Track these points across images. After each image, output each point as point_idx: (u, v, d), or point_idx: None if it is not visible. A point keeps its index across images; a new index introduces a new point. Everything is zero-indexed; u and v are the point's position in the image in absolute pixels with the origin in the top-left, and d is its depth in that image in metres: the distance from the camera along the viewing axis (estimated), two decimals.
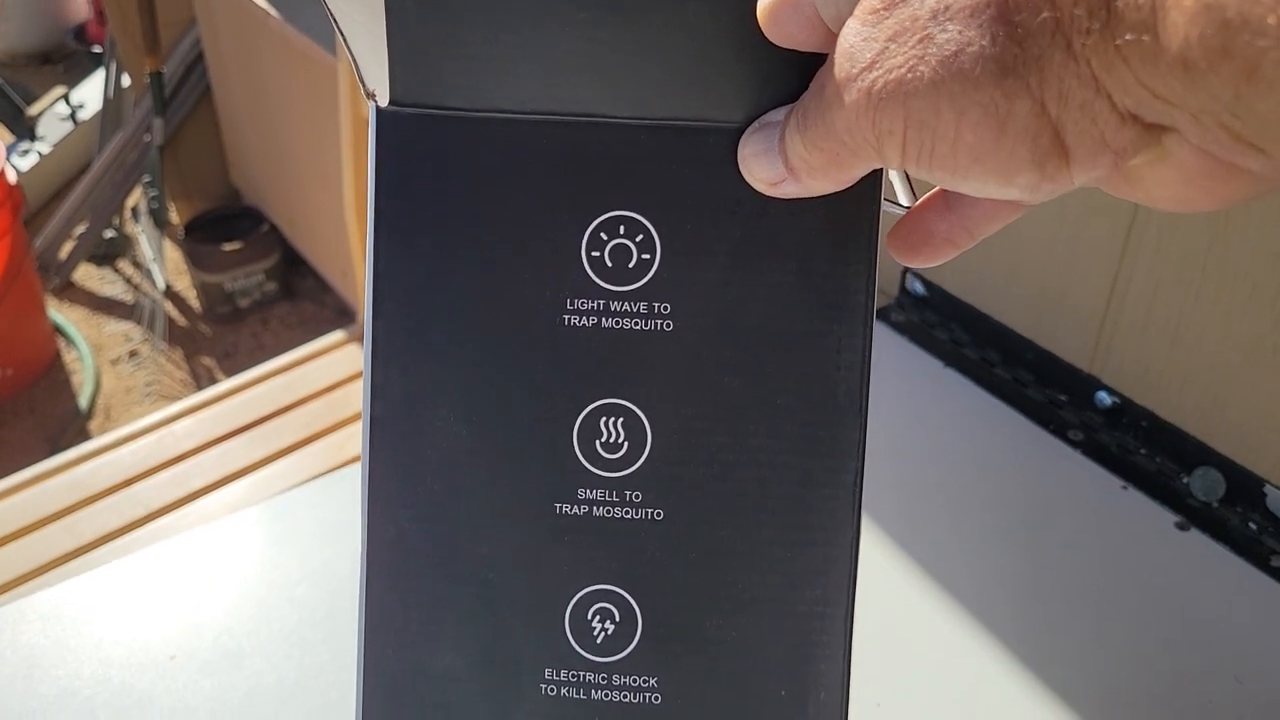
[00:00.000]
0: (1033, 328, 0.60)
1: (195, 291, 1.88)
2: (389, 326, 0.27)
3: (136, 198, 1.96)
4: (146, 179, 1.86)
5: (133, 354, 1.79)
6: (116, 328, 1.85)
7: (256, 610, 0.47)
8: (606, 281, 0.27)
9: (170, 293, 1.90)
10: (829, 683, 0.28)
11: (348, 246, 1.51)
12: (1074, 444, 0.56)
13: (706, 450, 0.27)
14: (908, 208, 0.28)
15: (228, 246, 1.80)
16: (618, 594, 0.28)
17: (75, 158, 2.10)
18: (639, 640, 0.28)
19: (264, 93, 1.63)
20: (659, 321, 0.27)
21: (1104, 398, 0.57)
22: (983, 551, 0.50)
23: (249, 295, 1.84)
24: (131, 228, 2.00)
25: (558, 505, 0.28)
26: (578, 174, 0.27)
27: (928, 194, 0.28)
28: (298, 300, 1.88)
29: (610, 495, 0.28)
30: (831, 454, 0.27)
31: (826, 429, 0.27)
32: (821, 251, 0.26)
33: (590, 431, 0.27)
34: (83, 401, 1.67)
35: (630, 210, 0.27)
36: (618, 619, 0.28)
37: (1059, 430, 0.57)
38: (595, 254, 0.27)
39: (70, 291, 1.93)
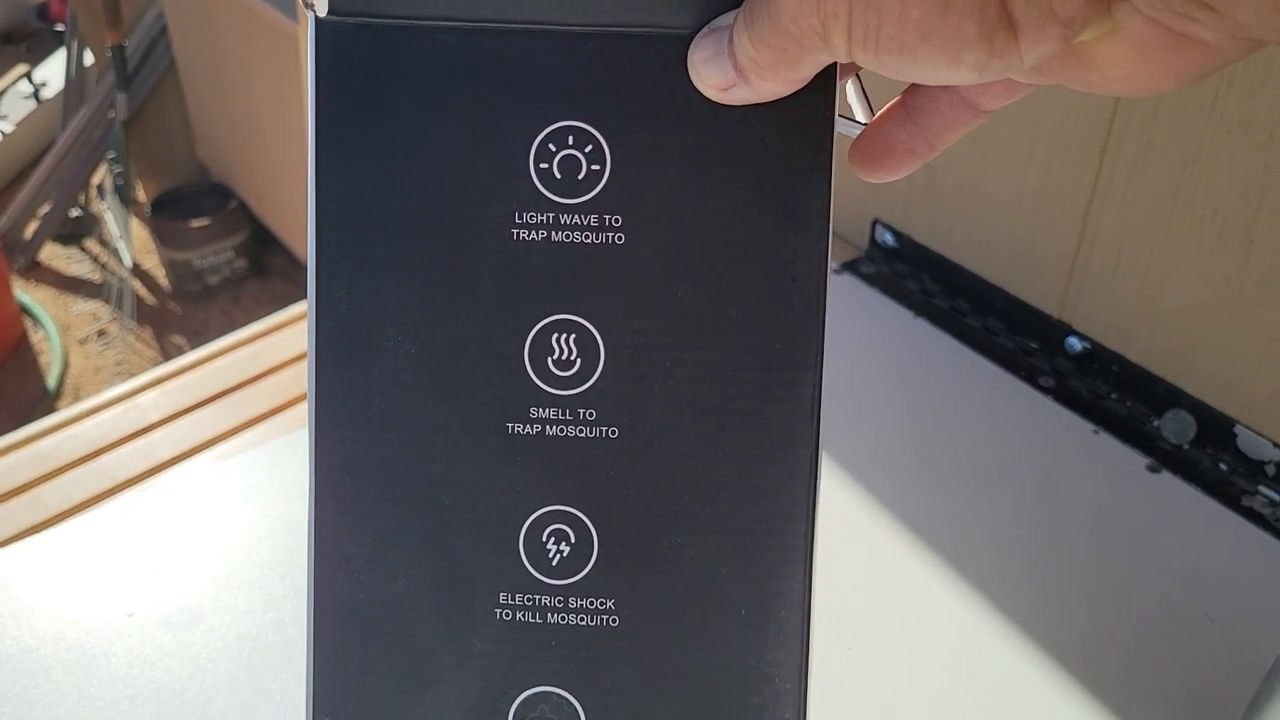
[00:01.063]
0: (1003, 276, 0.60)
1: (164, 270, 1.86)
2: (332, 244, 0.26)
3: (102, 175, 1.93)
4: (111, 155, 1.83)
5: (101, 333, 1.77)
6: (84, 307, 1.83)
7: (217, 566, 0.46)
8: (556, 194, 0.26)
9: (138, 271, 1.88)
10: (789, 601, 0.27)
11: None
12: (1045, 390, 0.56)
13: (660, 366, 0.27)
14: (865, 124, 0.28)
15: (196, 223, 1.77)
16: (573, 515, 0.27)
17: (38, 137, 2.06)
18: (595, 562, 0.27)
19: (229, 66, 1.60)
20: (610, 234, 0.26)
21: (1074, 344, 0.57)
22: (954, 497, 0.50)
23: (218, 273, 1.82)
24: (97, 206, 1.98)
25: (510, 425, 0.27)
26: (524, 84, 0.26)
27: (886, 106, 0.27)
28: (269, 277, 1.86)
29: (563, 414, 0.27)
30: (789, 367, 0.26)
31: (783, 341, 0.26)
32: (775, 160, 0.26)
33: (542, 349, 0.27)
34: (51, 381, 1.65)
35: (579, 120, 0.26)
36: (573, 540, 0.27)
37: (1030, 377, 0.57)
38: (543, 166, 0.26)
39: (36, 271, 1.90)
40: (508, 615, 0.28)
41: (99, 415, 0.98)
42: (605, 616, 0.27)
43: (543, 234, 0.26)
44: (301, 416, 0.65)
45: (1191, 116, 0.47)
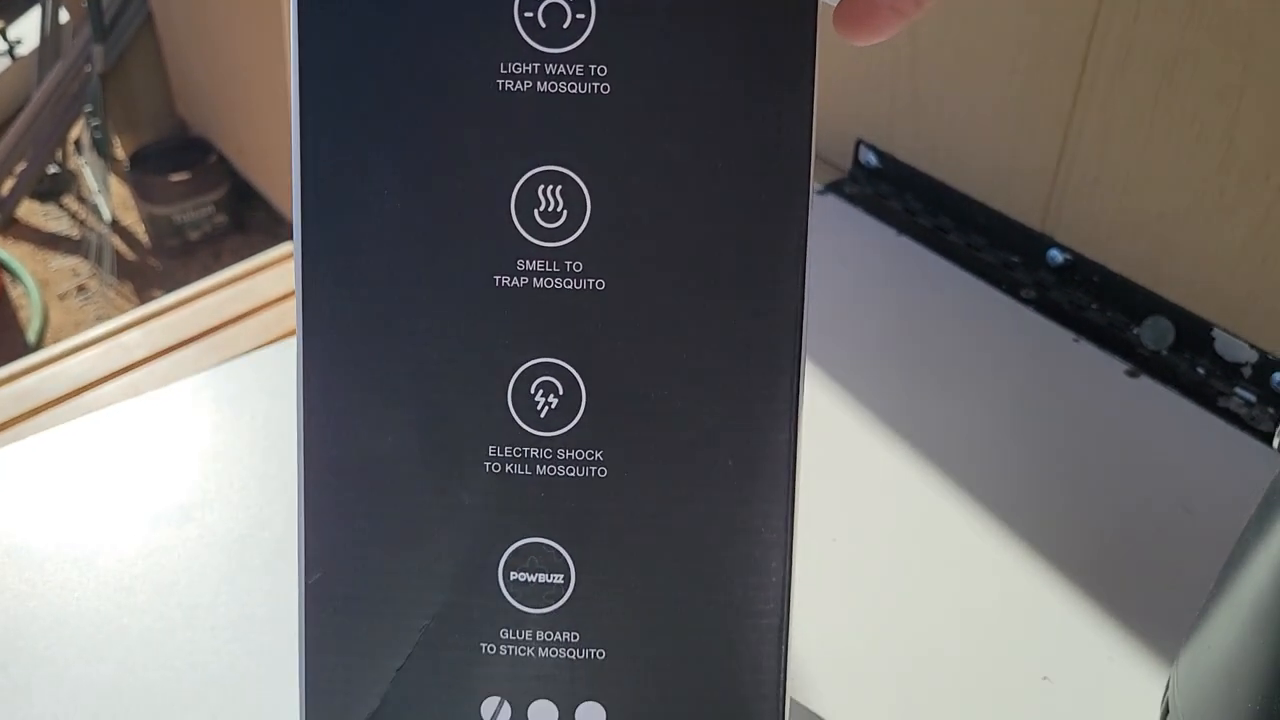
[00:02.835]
0: (985, 191, 0.60)
1: (143, 225, 1.85)
2: (314, 99, 0.26)
3: (79, 130, 1.91)
4: (88, 109, 1.81)
5: (81, 289, 1.76)
6: (63, 262, 1.81)
7: (205, 468, 0.47)
8: (541, 43, 0.26)
9: (117, 226, 1.86)
10: (776, 453, 0.28)
11: None
12: (1026, 302, 0.57)
13: (646, 217, 0.27)
14: None
15: (175, 178, 1.76)
16: (561, 367, 0.27)
17: (13, 94, 2.04)
18: (583, 413, 0.28)
19: (208, 17, 1.59)
20: (596, 84, 0.26)
21: (1056, 255, 0.57)
22: (938, 404, 0.50)
23: (199, 228, 1.81)
24: (75, 161, 1.96)
25: (496, 278, 0.27)
26: None
27: None
28: (250, 232, 1.85)
29: (550, 266, 0.27)
30: (776, 219, 0.27)
31: (770, 193, 0.26)
32: (761, 14, 0.26)
33: (528, 200, 0.27)
34: (31, 336, 1.64)
35: None
36: (561, 393, 0.28)
37: (1011, 290, 0.57)
38: (528, 14, 0.26)
39: (15, 228, 1.89)
40: (496, 468, 0.28)
41: (81, 354, 0.97)
42: (594, 467, 0.28)
43: (528, 84, 0.26)
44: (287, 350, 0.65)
45: (1171, 18, 0.48)
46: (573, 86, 0.26)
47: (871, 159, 0.66)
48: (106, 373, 0.97)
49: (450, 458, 0.28)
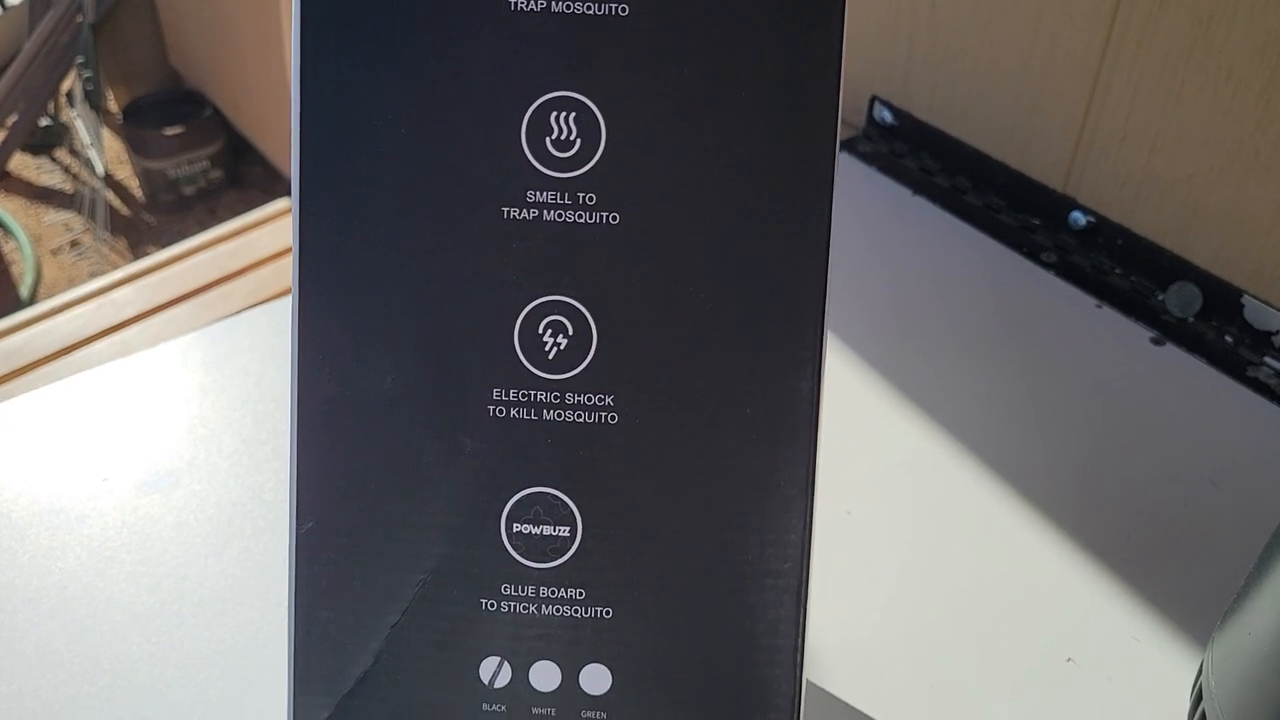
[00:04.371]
0: (1005, 149, 0.58)
1: (137, 180, 1.82)
2: (315, 19, 0.25)
3: (71, 82, 1.88)
4: (80, 61, 1.78)
5: (74, 244, 1.73)
6: (56, 217, 1.79)
7: (195, 432, 0.45)
8: None
9: (111, 181, 1.83)
10: (797, 402, 0.26)
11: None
12: (1047, 266, 0.55)
13: (664, 149, 0.25)
14: None
15: (169, 131, 1.73)
16: (571, 305, 0.26)
17: (4, 45, 2.00)
18: (594, 355, 0.26)
19: None
20: (613, 5, 0.24)
21: (1078, 218, 0.55)
22: (955, 371, 0.49)
23: (194, 183, 1.78)
24: (67, 114, 1.92)
25: (505, 210, 0.25)
26: None
27: None
28: (246, 188, 1.82)
29: (561, 198, 0.25)
30: (802, 152, 0.25)
31: (795, 124, 0.25)
32: None
33: (540, 128, 0.25)
34: (24, 292, 1.62)
35: None
36: (571, 333, 0.26)
37: (1032, 253, 0.55)
38: None
39: (6, 182, 1.86)
40: (501, 412, 0.26)
41: (73, 310, 0.96)
42: (604, 413, 0.26)
43: (541, 4, 0.24)
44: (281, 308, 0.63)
45: None
46: (589, 8, 0.24)
47: (887, 116, 0.63)
48: (98, 330, 0.96)
49: (452, 401, 0.26)
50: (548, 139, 0.25)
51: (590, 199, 0.25)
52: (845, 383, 0.48)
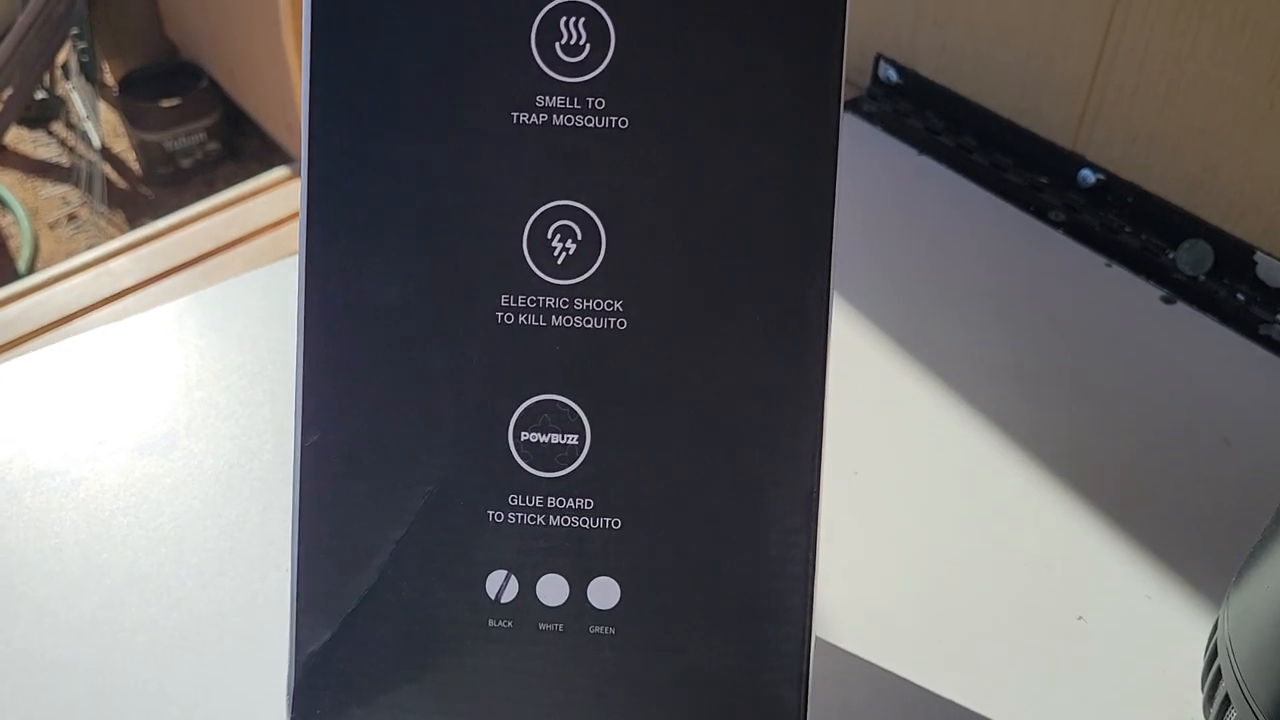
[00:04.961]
0: (1013, 107, 0.57)
1: (134, 153, 1.80)
2: None
3: (66, 54, 1.86)
4: (75, 33, 1.76)
5: (71, 217, 1.72)
6: (53, 191, 1.77)
7: (192, 394, 0.44)
8: None
9: (108, 154, 1.82)
10: (808, 305, 0.25)
11: (292, 100, 1.44)
12: (1055, 225, 0.54)
13: (673, 52, 0.25)
14: None
15: (165, 103, 1.71)
16: (580, 210, 0.25)
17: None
18: (603, 260, 0.25)
19: None
20: None
21: (1087, 175, 0.54)
22: (963, 331, 0.48)
23: (191, 155, 1.77)
24: (63, 87, 1.91)
25: (514, 115, 0.25)
26: None
27: None
28: (243, 160, 1.81)
29: (571, 102, 0.25)
30: (812, 55, 0.25)
31: (805, 29, 0.25)
32: None
33: (549, 32, 0.25)
34: (21, 266, 1.61)
35: None
36: (580, 238, 0.25)
37: (1039, 212, 0.54)
38: None
39: (2, 156, 1.84)
40: (509, 319, 0.26)
41: (69, 281, 0.95)
42: (613, 319, 0.26)
43: None
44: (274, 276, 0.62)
45: None
46: None
47: (891, 74, 0.62)
48: (95, 300, 0.95)
49: (460, 307, 0.26)
50: (557, 44, 0.25)
51: (599, 104, 0.25)
52: (851, 343, 0.47)
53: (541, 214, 0.25)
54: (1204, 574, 0.38)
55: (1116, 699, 0.34)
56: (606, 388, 0.26)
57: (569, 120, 0.25)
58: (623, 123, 0.25)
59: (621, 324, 0.26)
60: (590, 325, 0.26)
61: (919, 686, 0.34)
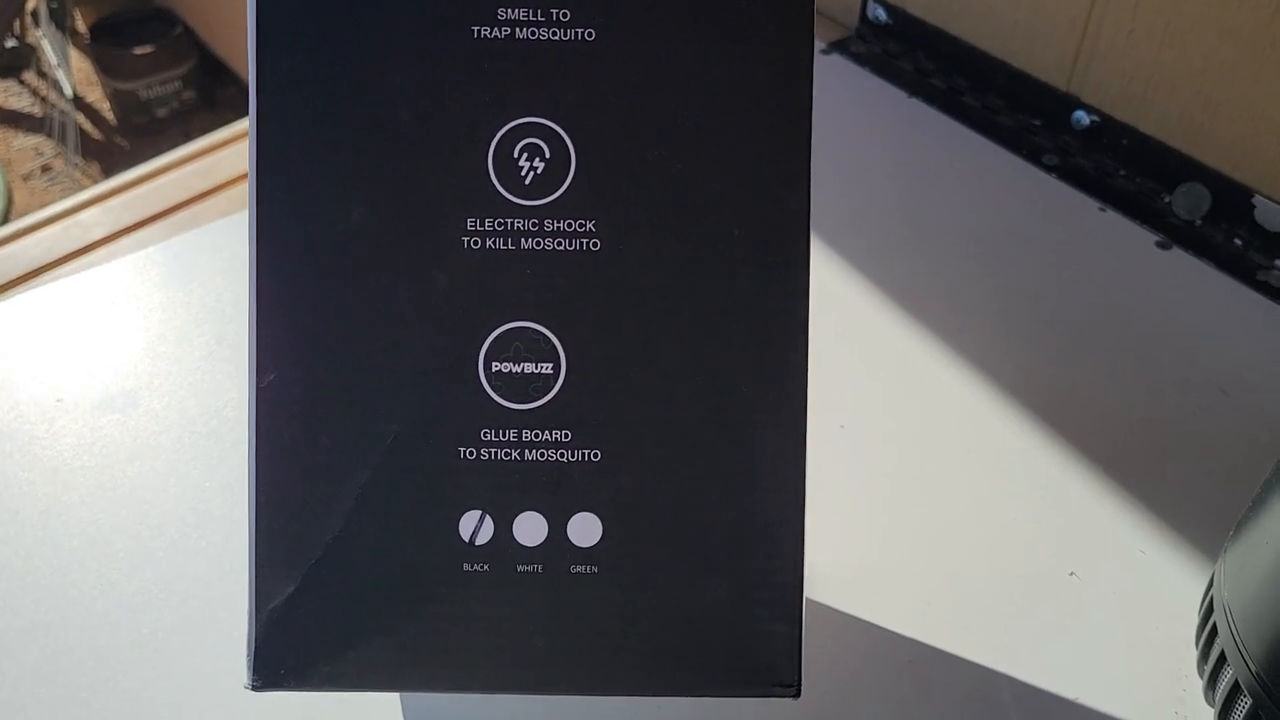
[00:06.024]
0: (1006, 47, 0.55)
1: (108, 102, 1.77)
2: None
3: (36, 0, 1.81)
4: None
5: (45, 169, 1.69)
6: (26, 141, 1.74)
7: (152, 350, 0.43)
8: None
9: (81, 104, 1.78)
10: (788, 222, 0.24)
11: None
12: (1049, 169, 0.52)
13: None
14: None
15: (138, 51, 1.67)
16: (547, 127, 0.24)
17: None
18: (572, 178, 0.24)
19: None
20: None
21: (1082, 117, 0.52)
22: (954, 277, 0.46)
23: (166, 104, 1.73)
24: (33, 35, 1.86)
25: (475, 29, 0.24)
26: None
27: None
28: (220, 110, 1.77)
29: (534, 14, 0.24)
30: None
31: None
32: None
33: None
34: None
35: None
36: (548, 155, 0.24)
37: (1032, 155, 0.53)
38: None
39: None
40: (476, 243, 0.24)
41: (38, 233, 0.92)
42: (585, 240, 0.24)
43: None
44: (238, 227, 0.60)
45: None
46: None
47: (880, 14, 0.60)
48: (64, 253, 0.92)
49: (423, 233, 0.24)
50: None
51: (564, 15, 0.24)
52: (838, 290, 0.45)
53: (507, 132, 0.24)
54: (1199, 528, 0.37)
55: (1109, 657, 0.33)
56: (581, 312, 0.24)
57: (533, 33, 0.24)
58: (589, 34, 0.24)
59: (594, 245, 0.24)
60: (561, 247, 0.24)
61: (911, 641, 0.33)
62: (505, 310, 0.24)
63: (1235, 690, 0.29)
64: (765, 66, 0.24)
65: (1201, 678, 0.32)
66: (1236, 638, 0.29)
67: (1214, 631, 0.31)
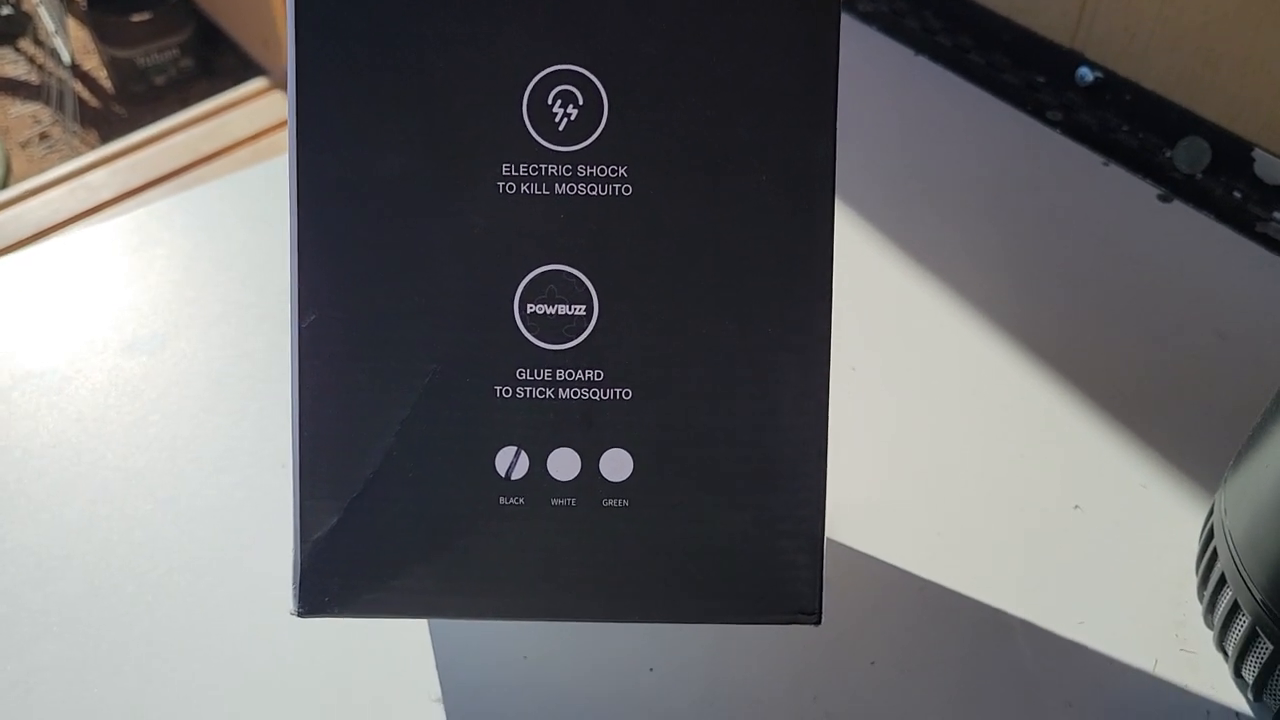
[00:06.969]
0: (1011, 5, 0.56)
1: (105, 70, 1.76)
2: None
3: None
4: None
5: (43, 136, 1.69)
6: (24, 109, 1.73)
7: (178, 295, 0.43)
8: None
9: (79, 71, 1.77)
10: (816, 166, 0.25)
11: (269, 13, 1.40)
12: (1053, 124, 0.53)
13: None
14: None
15: (136, 18, 1.67)
16: (580, 74, 0.25)
17: None
18: (605, 125, 0.25)
19: None
20: None
21: (1085, 74, 0.53)
22: (960, 232, 0.47)
23: (164, 72, 1.73)
24: (30, 2, 1.85)
25: None
26: None
27: None
28: (218, 77, 1.77)
29: None
30: None
31: None
32: None
33: None
34: None
35: None
36: (581, 102, 0.25)
37: (1037, 111, 0.54)
38: None
39: None
40: (511, 188, 0.25)
41: (45, 194, 0.93)
42: (617, 185, 0.25)
43: None
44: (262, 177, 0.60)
45: None
46: None
47: None
48: (71, 214, 0.93)
49: (460, 177, 0.25)
50: None
51: None
52: (849, 242, 0.46)
53: (541, 79, 0.25)
54: (1198, 463, 0.38)
55: (1114, 584, 0.34)
56: (613, 256, 0.25)
57: None
58: None
59: (627, 190, 0.25)
60: (594, 192, 0.25)
61: (920, 578, 0.34)
62: (540, 254, 0.25)
63: (1234, 610, 0.31)
64: (794, 17, 0.24)
65: (1201, 602, 0.33)
66: (1237, 560, 0.30)
67: (1214, 556, 0.32)
